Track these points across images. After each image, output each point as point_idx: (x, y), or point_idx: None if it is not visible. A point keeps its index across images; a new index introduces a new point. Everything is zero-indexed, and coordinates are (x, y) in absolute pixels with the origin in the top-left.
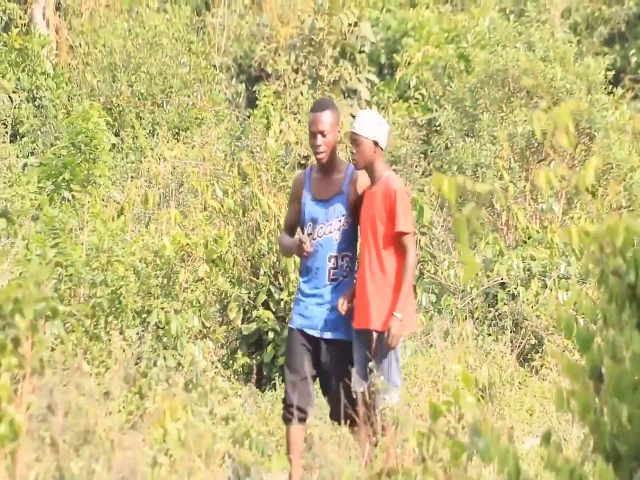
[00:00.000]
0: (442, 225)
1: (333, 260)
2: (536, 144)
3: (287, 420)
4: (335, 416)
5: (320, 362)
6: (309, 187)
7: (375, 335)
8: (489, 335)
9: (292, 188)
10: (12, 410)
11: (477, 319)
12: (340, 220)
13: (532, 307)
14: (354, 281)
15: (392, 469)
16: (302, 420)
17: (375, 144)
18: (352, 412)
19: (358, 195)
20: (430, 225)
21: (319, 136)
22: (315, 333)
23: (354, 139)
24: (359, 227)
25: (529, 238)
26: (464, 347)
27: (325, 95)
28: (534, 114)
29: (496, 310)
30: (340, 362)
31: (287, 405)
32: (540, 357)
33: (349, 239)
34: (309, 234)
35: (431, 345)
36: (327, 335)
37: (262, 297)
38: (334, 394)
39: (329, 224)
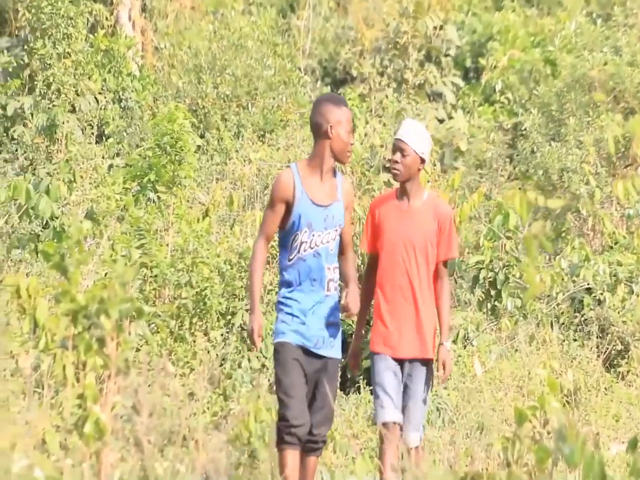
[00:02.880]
0: (528, 230)
1: (329, 272)
2: (623, 149)
3: (286, 443)
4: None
5: (315, 379)
6: (303, 189)
7: (429, 364)
8: (575, 340)
9: (278, 189)
10: (97, 410)
11: (563, 324)
12: (337, 230)
13: (618, 312)
14: (338, 297)
15: (477, 474)
16: (298, 444)
17: (422, 160)
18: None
19: (348, 204)
20: (516, 230)
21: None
22: (317, 351)
23: (402, 148)
24: (385, 247)
25: (615, 243)
26: (549, 352)
27: (410, 99)
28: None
29: (582, 316)
30: (335, 380)
31: (287, 427)
32: (627, 362)
33: (337, 250)
34: (302, 242)
35: (516, 350)
36: (328, 353)
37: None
38: (327, 412)
39: (327, 233)
